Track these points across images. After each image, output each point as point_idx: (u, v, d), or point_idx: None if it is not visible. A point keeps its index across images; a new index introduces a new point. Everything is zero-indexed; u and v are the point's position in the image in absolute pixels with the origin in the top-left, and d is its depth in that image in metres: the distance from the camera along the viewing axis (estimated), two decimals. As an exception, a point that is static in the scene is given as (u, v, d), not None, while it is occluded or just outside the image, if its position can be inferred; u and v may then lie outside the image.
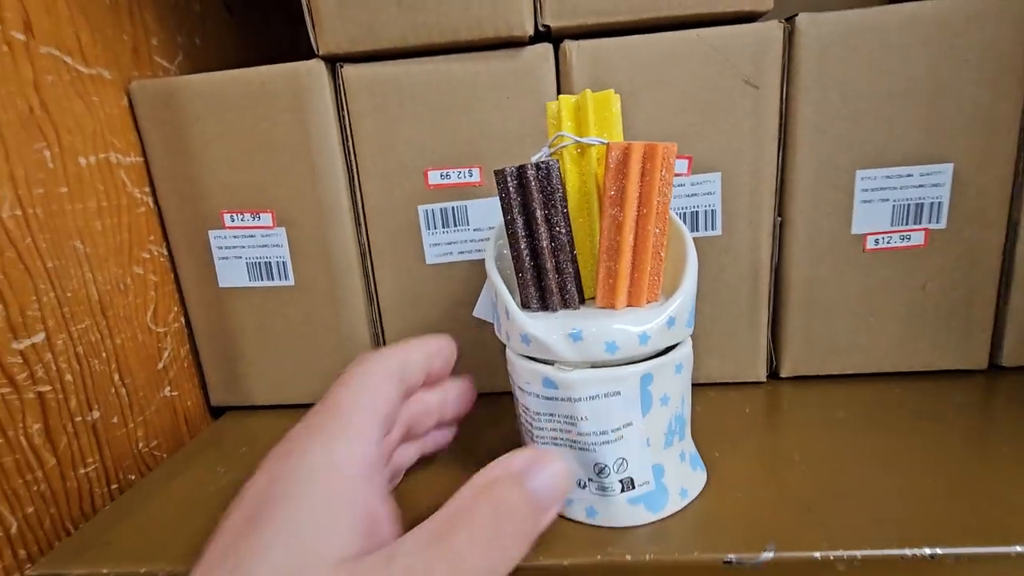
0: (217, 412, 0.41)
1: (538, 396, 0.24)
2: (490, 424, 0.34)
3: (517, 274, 0.25)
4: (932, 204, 0.33)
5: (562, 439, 0.24)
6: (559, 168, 0.24)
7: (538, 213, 0.24)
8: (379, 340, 0.38)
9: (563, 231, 0.24)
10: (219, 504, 0.29)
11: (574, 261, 0.25)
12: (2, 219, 0.27)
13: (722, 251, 0.35)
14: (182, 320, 0.38)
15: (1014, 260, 0.34)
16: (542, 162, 0.24)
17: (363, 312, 0.37)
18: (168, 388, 0.37)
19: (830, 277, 0.35)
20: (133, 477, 0.33)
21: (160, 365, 0.36)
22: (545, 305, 0.25)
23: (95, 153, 0.32)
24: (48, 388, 0.28)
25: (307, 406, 0.39)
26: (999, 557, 0.21)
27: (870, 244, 0.34)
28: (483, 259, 0.35)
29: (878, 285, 0.35)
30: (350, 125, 0.34)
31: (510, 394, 0.38)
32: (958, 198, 0.33)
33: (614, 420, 0.23)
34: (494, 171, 0.25)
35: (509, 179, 0.24)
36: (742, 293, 0.35)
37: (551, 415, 0.24)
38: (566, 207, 0.24)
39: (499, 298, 0.25)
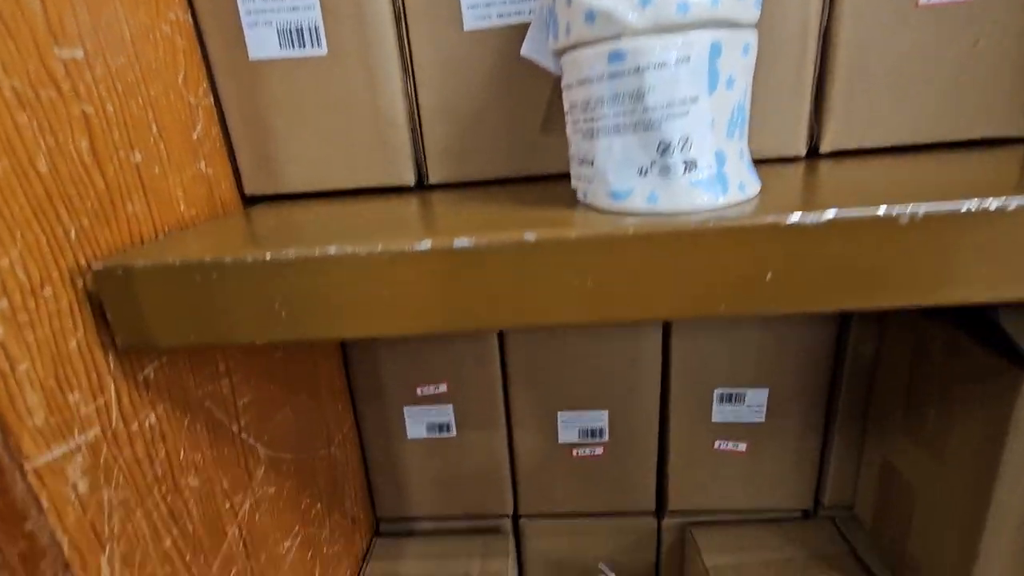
0: (251, 203, 0.41)
1: (602, 78, 0.23)
2: (529, 196, 0.34)
3: (579, -40, 0.24)
4: (992, -52, 0.32)
5: (625, 123, 0.24)
6: None
7: None
8: (414, 114, 0.37)
9: (629, -92, 0.23)
10: (273, 229, 0.30)
11: (638, -56, 0.24)
12: (32, -86, 0.25)
13: (772, 5, 0.34)
14: (211, 98, 0.37)
15: (1070, 13, 0.33)
16: None
17: (398, 83, 0.36)
18: (203, 163, 0.36)
19: (880, 37, 0.34)
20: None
21: (194, 136, 0.35)
22: (608, -9, 0.24)
23: None
24: (91, 109, 0.28)
25: (342, 193, 0.39)
26: (1062, 206, 0.21)
27: (924, -3, 0.33)
28: (523, 23, 0.34)
29: (928, 44, 0.34)
30: None
31: (545, 177, 0.38)
32: (1020, -60, 0.32)
33: (681, 91, 0.23)
34: None
35: None
36: (789, 56, 0.35)
37: (615, 96, 0.23)
38: None
39: (559, -7, 0.24)
